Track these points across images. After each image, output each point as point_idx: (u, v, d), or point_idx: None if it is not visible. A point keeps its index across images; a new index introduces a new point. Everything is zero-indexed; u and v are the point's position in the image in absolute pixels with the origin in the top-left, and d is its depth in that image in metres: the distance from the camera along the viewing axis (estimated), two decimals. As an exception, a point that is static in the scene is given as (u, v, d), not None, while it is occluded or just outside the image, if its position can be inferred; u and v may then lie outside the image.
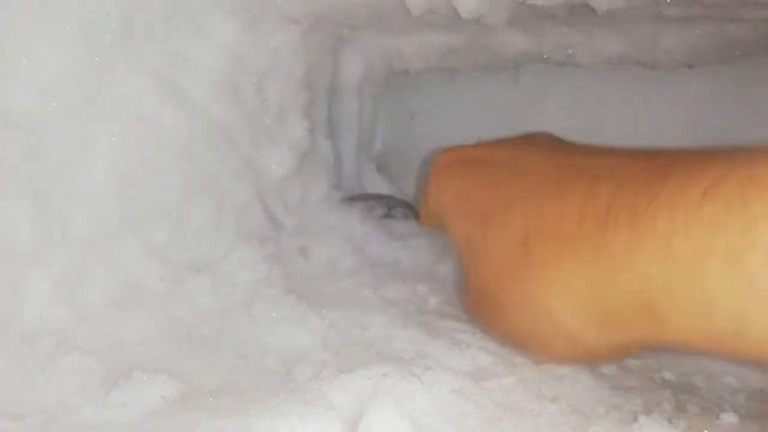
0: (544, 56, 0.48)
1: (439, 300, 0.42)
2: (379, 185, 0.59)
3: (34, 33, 0.29)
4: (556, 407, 0.28)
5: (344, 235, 0.48)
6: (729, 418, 0.28)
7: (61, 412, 0.24)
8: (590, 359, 0.31)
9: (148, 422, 0.23)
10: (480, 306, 0.31)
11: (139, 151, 0.33)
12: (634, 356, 0.34)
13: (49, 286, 0.29)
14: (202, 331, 0.32)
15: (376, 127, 0.59)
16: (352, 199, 0.46)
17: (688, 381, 0.33)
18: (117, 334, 0.30)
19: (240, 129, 0.41)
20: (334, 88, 0.53)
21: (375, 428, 0.21)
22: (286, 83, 0.46)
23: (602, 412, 0.28)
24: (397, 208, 0.47)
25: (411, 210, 0.45)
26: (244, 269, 0.38)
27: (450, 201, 0.32)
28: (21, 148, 0.29)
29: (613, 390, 0.31)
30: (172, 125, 0.35)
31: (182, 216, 0.36)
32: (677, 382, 0.33)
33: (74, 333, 0.29)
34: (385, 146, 0.61)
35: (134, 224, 0.33)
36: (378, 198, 0.48)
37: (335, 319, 0.34)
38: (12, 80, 0.28)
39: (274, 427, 0.20)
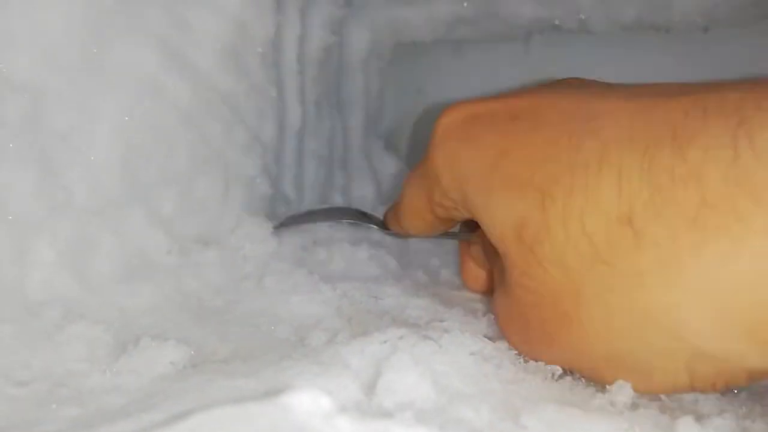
0: (555, 22, 0.47)
1: (451, 272, 0.41)
2: (388, 163, 0.58)
3: (32, -4, 0.28)
4: (576, 372, 0.27)
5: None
6: (759, 378, 0.27)
7: (69, 379, 0.23)
8: (731, 386, 0.21)
9: (157, 386, 0.22)
10: (532, 318, 0.22)
11: (143, 119, 0.32)
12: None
13: (53, 255, 0.28)
14: (212, 303, 0.31)
15: (384, 102, 0.58)
16: (285, 224, 0.39)
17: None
18: (124, 304, 0.29)
19: (246, 100, 0.40)
20: (339, 61, 0.52)
21: (395, 387, 0.20)
22: (290, 55, 0.45)
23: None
24: (344, 221, 0.39)
25: (365, 218, 0.37)
26: (253, 242, 0.37)
27: (474, 173, 0.23)
28: (22, 113, 0.28)
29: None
30: (176, 93, 0.34)
31: (189, 187, 0.35)
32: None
33: (81, 302, 0.28)
34: (393, 122, 0.60)
35: (140, 194, 0.32)
36: (311, 215, 0.40)
37: (347, 290, 0.34)
38: (11, 43, 0.27)
39: (290, 385, 0.20)
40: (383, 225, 0.36)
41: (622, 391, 0.21)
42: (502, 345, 0.28)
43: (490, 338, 0.29)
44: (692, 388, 0.20)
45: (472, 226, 0.33)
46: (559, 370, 0.24)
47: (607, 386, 0.22)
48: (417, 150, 0.60)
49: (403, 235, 0.33)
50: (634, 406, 0.21)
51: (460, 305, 0.34)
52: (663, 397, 0.22)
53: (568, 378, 0.25)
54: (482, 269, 0.32)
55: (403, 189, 0.30)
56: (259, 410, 0.15)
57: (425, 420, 0.18)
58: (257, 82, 0.40)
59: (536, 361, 0.24)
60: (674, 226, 0.17)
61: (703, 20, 0.45)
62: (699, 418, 0.20)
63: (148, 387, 0.22)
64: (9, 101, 0.27)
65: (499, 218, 0.22)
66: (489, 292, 0.34)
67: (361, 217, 0.37)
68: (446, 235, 0.34)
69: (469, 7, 0.48)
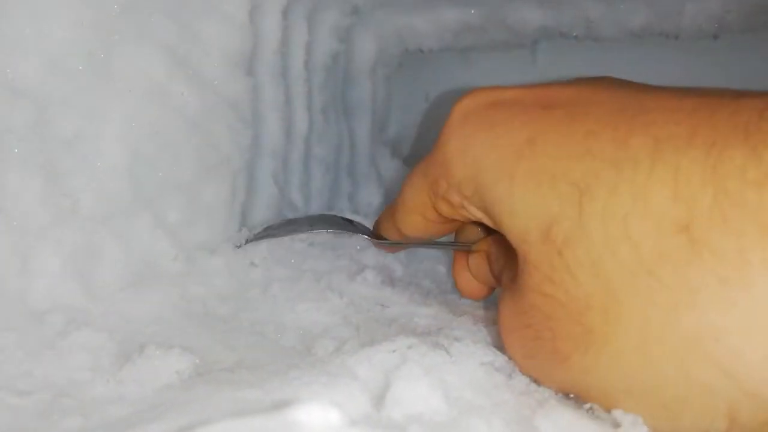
0: (563, 30, 0.47)
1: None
2: (395, 169, 0.58)
3: (40, 2, 0.28)
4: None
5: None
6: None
7: (72, 388, 0.23)
8: None
9: (162, 396, 0.22)
10: (545, 331, 0.19)
11: (150, 126, 0.32)
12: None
13: (58, 262, 0.28)
14: (218, 310, 0.31)
15: (391, 110, 0.58)
16: (259, 237, 0.36)
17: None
18: (129, 312, 0.29)
19: (252, 107, 0.39)
20: (346, 68, 0.52)
21: (404, 399, 0.20)
22: (298, 62, 0.44)
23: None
24: (328, 231, 0.35)
25: (351, 226, 0.34)
26: (261, 249, 0.36)
27: (495, 162, 0.20)
28: (28, 119, 0.28)
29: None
30: (182, 100, 0.34)
31: (195, 194, 0.35)
32: None
33: (85, 310, 0.28)
34: (399, 129, 0.60)
35: (146, 201, 0.32)
36: (291, 225, 0.37)
37: (354, 297, 0.33)
38: (17, 49, 0.27)
39: (297, 396, 0.19)
40: (373, 234, 0.33)
41: (635, 428, 0.18)
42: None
43: (500, 348, 0.28)
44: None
45: (468, 237, 0.31)
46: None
47: (615, 414, 0.18)
48: (422, 157, 0.60)
49: (392, 245, 0.30)
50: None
51: (468, 314, 0.34)
52: None
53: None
54: (478, 281, 0.30)
55: (403, 186, 0.27)
56: (266, 424, 0.14)
57: (437, 433, 0.18)
58: (264, 89, 0.40)
59: (535, 381, 0.21)
60: (743, 236, 0.15)
61: (712, 27, 0.45)
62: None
63: (153, 397, 0.22)
64: (15, 107, 0.27)
65: (522, 214, 0.19)
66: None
67: (346, 225, 0.34)
68: (441, 245, 0.31)
69: (476, 15, 0.47)
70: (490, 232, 0.29)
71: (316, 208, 0.47)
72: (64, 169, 0.29)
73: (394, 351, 0.24)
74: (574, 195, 0.17)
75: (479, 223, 0.26)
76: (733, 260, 0.15)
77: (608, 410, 0.19)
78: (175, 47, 0.34)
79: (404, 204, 0.26)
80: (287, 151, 0.43)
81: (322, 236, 0.41)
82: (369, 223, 0.36)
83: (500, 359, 0.25)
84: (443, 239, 0.31)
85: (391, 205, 0.28)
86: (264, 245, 0.36)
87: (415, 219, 0.26)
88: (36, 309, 0.27)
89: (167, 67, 0.33)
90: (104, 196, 0.30)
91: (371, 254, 0.41)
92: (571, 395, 0.20)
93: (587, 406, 0.22)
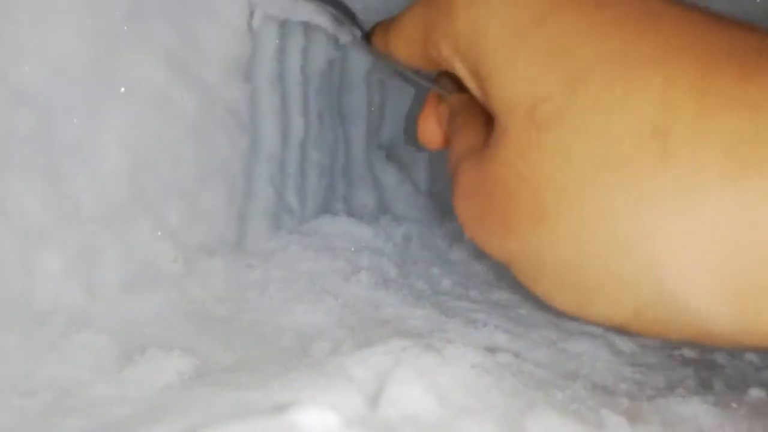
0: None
1: (452, 282, 0.42)
2: (389, 173, 0.58)
3: (43, 9, 0.29)
4: (578, 383, 0.27)
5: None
6: (757, 393, 0.27)
7: (74, 388, 0.24)
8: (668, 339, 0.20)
9: (163, 397, 0.23)
10: (500, 199, 0.20)
11: (151, 131, 0.33)
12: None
13: (60, 264, 0.28)
14: (216, 311, 0.32)
15: (385, 114, 0.59)
16: None
17: (710, 358, 0.33)
18: (130, 313, 0.29)
19: (250, 112, 0.40)
20: (342, 74, 0.52)
21: (398, 401, 0.21)
22: (295, 68, 0.45)
23: (624, 388, 0.28)
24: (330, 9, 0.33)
25: (354, 21, 0.33)
26: (258, 252, 0.37)
27: (500, 29, 0.20)
28: (32, 124, 0.28)
29: (633, 367, 0.31)
30: (183, 106, 0.34)
31: (194, 197, 0.35)
32: (699, 359, 0.32)
33: (86, 311, 0.28)
34: (394, 134, 0.60)
35: (146, 204, 0.32)
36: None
37: (349, 299, 0.34)
38: (22, 56, 0.28)
39: (296, 399, 0.20)
40: (368, 37, 0.33)
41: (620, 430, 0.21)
42: (503, 357, 0.28)
43: (491, 350, 0.29)
44: (625, 328, 0.19)
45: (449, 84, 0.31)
46: None
47: (601, 415, 0.21)
48: (418, 161, 0.61)
49: (381, 58, 0.30)
50: (635, 417, 0.22)
51: (460, 315, 0.35)
52: (664, 408, 0.22)
53: (569, 391, 0.26)
54: (440, 129, 0.29)
55: (405, 9, 0.26)
56: (266, 426, 0.15)
57: (429, 433, 0.18)
58: (262, 94, 0.41)
59: (478, 244, 0.21)
60: (710, 154, 0.16)
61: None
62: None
63: (154, 398, 0.23)
64: (19, 113, 0.28)
65: (513, 87, 0.19)
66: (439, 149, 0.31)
67: (351, 17, 0.33)
68: (426, 78, 0.31)
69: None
70: (460, 91, 0.27)
71: (311, 210, 0.47)
72: (67, 172, 0.29)
73: (388, 353, 0.25)
74: (570, 80, 0.18)
75: (453, 79, 0.26)
76: (693, 175, 0.16)
77: (533, 287, 0.20)
78: (176, 54, 0.34)
79: (398, 26, 0.26)
80: (284, 155, 0.44)
81: (320, 229, 0.41)
82: None
83: (490, 361, 0.26)
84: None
85: (390, 18, 0.28)
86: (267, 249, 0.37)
87: (403, 44, 0.26)
88: (38, 310, 0.27)
89: (167, 74, 0.33)
90: (105, 199, 0.31)
91: (366, 256, 0.41)
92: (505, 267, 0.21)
93: (574, 407, 0.23)
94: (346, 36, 0.33)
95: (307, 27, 0.46)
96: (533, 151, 0.19)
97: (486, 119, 0.23)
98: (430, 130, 0.29)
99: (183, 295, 0.32)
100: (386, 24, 0.28)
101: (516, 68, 0.19)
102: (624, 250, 0.17)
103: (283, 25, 0.42)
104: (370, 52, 0.30)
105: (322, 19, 0.36)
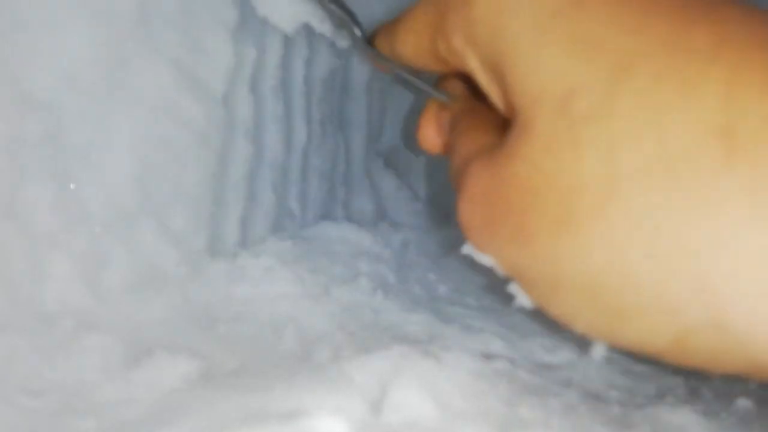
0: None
1: (448, 288, 0.42)
2: (387, 179, 0.59)
3: (54, 17, 0.30)
4: (572, 391, 0.28)
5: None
6: (744, 403, 0.28)
7: (82, 390, 0.24)
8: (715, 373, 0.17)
9: (171, 399, 0.23)
10: (518, 204, 0.17)
11: (159, 138, 0.33)
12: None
13: (68, 267, 0.29)
14: (219, 315, 0.32)
15: (384, 122, 0.60)
16: None
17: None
18: (136, 316, 0.30)
19: (255, 120, 0.41)
20: (344, 83, 0.53)
21: (401, 407, 0.22)
22: (298, 77, 0.46)
23: (616, 396, 0.29)
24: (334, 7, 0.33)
25: (355, 21, 0.32)
26: (260, 256, 0.38)
27: (525, 15, 0.18)
28: (42, 130, 0.29)
29: (624, 375, 0.32)
30: (189, 113, 0.35)
31: (199, 203, 0.36)
32: (688, 368, 0.33)
33: (94, 314, 0.29)
34: (393, 141, 0.61)
35: (153, 209, 0.33)
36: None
37: (348, 304, 0.35)
38: (34, 62, 0.29)
39: (303, 405, 0.21)
40: (369, 39, 0.31)
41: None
42: (499, 364, 0.29)
43: (487, 356, 0.30)
44: (657, 356, 0.16)
45: (447, 90, 0.28)
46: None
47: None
48: (416, 168, 0.62)
49: (382, 60, 0.28)
50: (625, 425, 0.23)
51: (457, 321, 0.36)
52: (654, 417, 0.23)
53: (563, 398, 0.27)
54: (441, 133, 0.27)
55: (413, 5, 0.25)
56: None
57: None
58: (266, 102, 0.41)
59: (484, 253, 0.19)
60: None
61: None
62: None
63: (162, 400, 0.23)
64: (30, 119, 0.28)
65: (541, 77, 0.17)
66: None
67: (352, 18, 0.32)
68: (426, 83, 0.30)
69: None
70: (462, 97, 0.27)
71: (312, 216, 0.48)
72: (76, 177, 0.30)
73: (388, 358, 0.25)
74: (611, 69, 0.16)
75: (462, 82, 0.26)
76: (766, 179, 0.13)
77: (547, 308, 0.17)
78: (184, 62, 0.35)
79: (408, 19, 0.24)
80: (287, 161, 0.44)
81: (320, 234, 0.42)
82: None
83: (487, 368, 0.27)
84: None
85: (394, 18, 0.26)
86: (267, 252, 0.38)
87: (411, 40, 0.24)
88: (47, 312, 0.28)
89: (175, 81, 0.34)
90: (113, 203, 0.31)
91: (365, 262, 0.42)
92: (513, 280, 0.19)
93: (567, 414, 0.24)
94: (346, 39, 0.32)
95: (311, 37, 0.46)
96: (565, 148, 0.16)
97: (495, 122, 0.21)
98: (431, 133, 0.29)
99: (187, 298, 0.32)
100: (392, 21, 0.27)
101: (546, 56, 0.17)
102: (673, 266, 0.14)
103: (287, 35, 0.43)
104: (370, 53, 0.30)
105: (322, 23, 0.36)
